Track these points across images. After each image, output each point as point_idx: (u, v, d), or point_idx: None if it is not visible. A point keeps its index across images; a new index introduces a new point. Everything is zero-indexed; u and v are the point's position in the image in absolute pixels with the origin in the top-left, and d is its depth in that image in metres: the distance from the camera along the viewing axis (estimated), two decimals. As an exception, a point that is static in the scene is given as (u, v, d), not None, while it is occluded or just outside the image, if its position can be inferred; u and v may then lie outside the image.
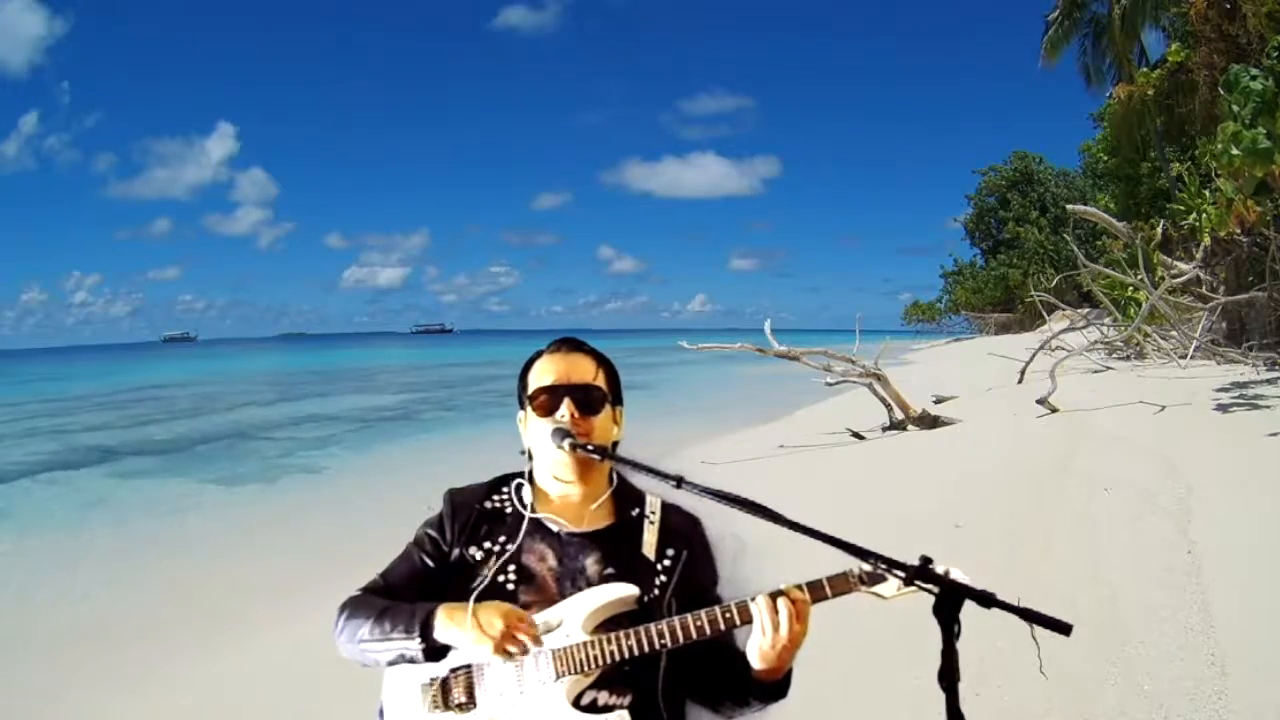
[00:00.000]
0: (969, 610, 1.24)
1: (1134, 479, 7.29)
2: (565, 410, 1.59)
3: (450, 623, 1.46)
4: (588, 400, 1.61)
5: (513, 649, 1.45)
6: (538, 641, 1.46)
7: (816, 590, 1.47)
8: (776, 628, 1.43)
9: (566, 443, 1.54)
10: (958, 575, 1.33)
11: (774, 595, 1.45)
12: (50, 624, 6.33)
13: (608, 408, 1.65)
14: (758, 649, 1.46)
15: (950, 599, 1.24)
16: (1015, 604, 1.20)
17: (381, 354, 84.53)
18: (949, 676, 1.21)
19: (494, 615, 1.45)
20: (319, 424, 21.11)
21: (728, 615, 1.46)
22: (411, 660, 1.50)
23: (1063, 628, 1.18)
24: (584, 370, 1.64)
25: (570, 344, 1.70)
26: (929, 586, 1.28)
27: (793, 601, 1.44)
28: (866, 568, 1.44)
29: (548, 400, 1.61)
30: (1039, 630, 1.20)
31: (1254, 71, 11.64)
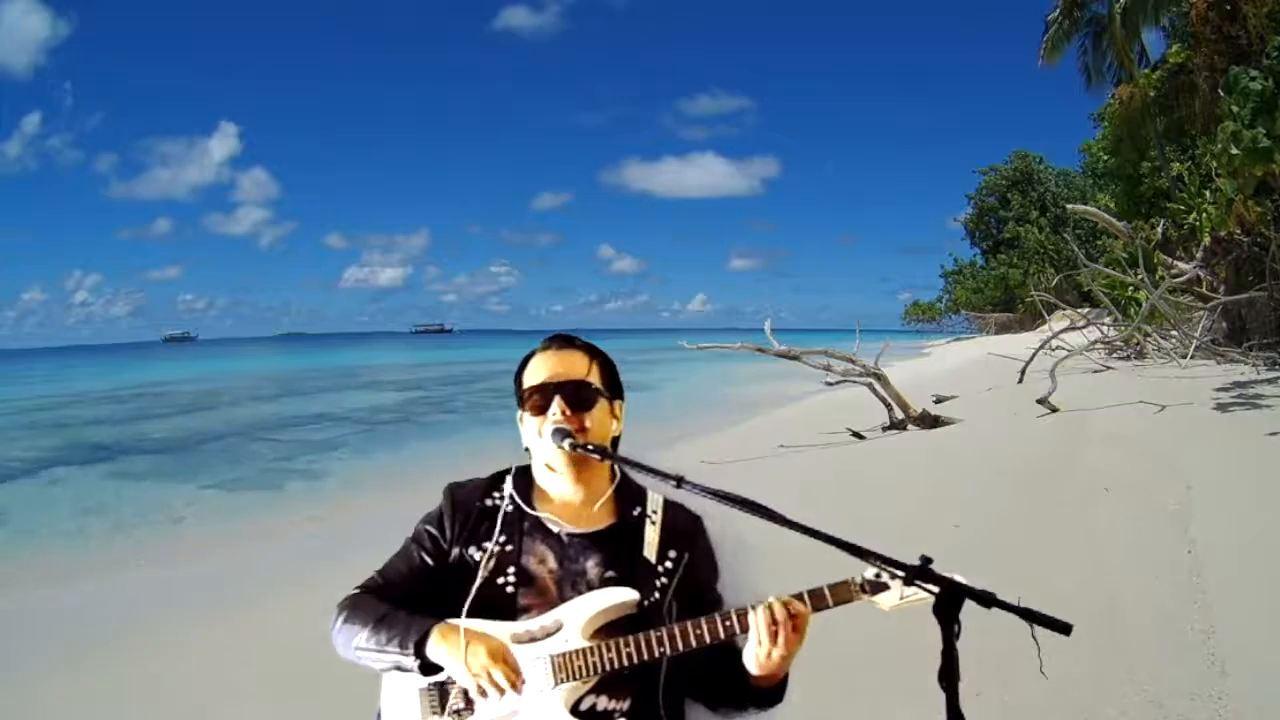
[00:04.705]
0: (969, 610, 1.23)
1: (1134, 479, 7.29)
2: (556, 408, 1.57)
3: (443, 644, 1.46)
4: (579, 397, 1.58)
5: (487, 688, 1.44)
6: (515, 687, 1.45)
7: (818, 599, 1.45)
8: (774, 639, 1.42)
9: (566, 443, 1.52)
10: (957, 576, 1.33)
11: (772, 605, 1.44)
12: (45, 624, 6.32)
13: (603, 402, 1.62)
14: (754, 657, 1.45)
15: (950, 599, 1.24)
16: (1015, 604, 1.20)
17: (381, 354, 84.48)
18: (949, 676, 1.21)
19: (481, 653, 1.44)
20: (319, 424, 21.11)
21: (727, 624, 1.45)
22: (407, 670, 1.49)
23: (1063, 628, 1.17)
24: (575, 366, 1.62)
25: (562, 340, 1.67)
26: (929, 587, 1.28)
27: (792, 614, 1.43)
28: (869, 575, 1.43)
29: (539, 399, 1.59)
30: (1039, 630, 1.19)
31: (1253, 73, 11.65)
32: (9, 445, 18.57)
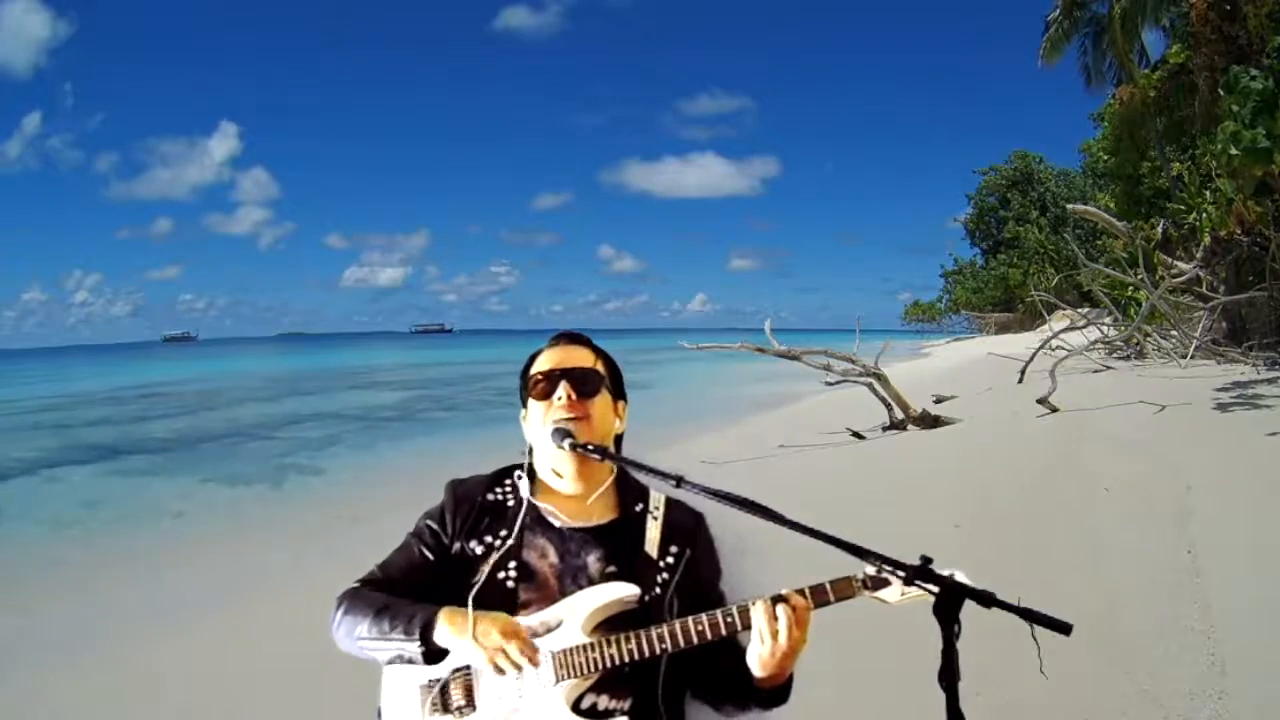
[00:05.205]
0: (969, 610, 1.23)
1: (1134, 479, 7.29)
2: (562, 392, 1.59)
3: (451, 629, 1.45)
4: (584, 383, 1.61)
5: (503, 665, 1.43)
6: (533, 661, 1.44)
7: (819, 595, 1.45)
8: (775, 636, 1.42)
9: (567, 443, 1.53)
10: (958, 575, 1.33)
11: (774, 601, 1.44)
12: (46, 624, 6.33)
13: (607, 395, 1.64)
14: (757, 656, 1.45)
15: (950, 599, 1.24)
16: (1015, 604, 1.20)
17: (381, 354, 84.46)
18: (949, 676, 1.21)
19: (492, 629, 1.43)
20: (319, 422, 21.10)
21: (729, 620, 1.45)
22: (410, 660, 1.49)
23: (1063, 628, 1.17)
24: (581, 357, 1.66)
25: (569, 336, 1.71)
26: (929, 586, 1.28)
27: (793, 608, 1.43)
28: (870, 571, 1.43)
29: (545, 385, 1.61)
30: (1039, 630, 1.19)
31: (1253, 73, 11.65)
32: (12, 446, 18.56)
